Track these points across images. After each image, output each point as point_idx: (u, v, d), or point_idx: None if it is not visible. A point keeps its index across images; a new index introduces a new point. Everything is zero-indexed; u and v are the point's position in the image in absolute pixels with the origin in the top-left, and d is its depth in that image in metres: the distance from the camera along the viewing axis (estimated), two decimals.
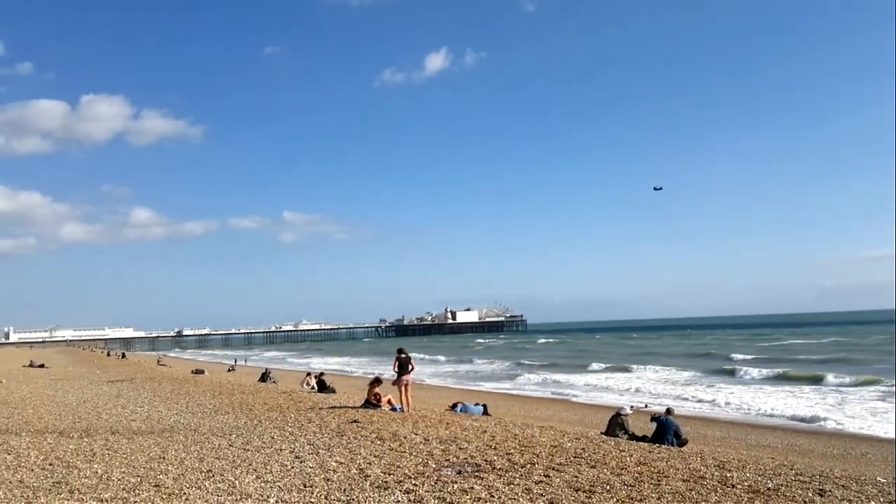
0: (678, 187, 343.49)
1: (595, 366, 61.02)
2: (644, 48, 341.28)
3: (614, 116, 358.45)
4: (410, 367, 18.42)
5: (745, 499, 8.11)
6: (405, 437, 12.85)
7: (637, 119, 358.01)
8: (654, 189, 45.66)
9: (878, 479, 9.63)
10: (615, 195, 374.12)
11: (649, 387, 41.65)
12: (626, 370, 55.12)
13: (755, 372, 49.47)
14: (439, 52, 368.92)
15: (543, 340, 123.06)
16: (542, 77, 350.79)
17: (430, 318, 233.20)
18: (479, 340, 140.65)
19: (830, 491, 8.58)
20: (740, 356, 65.50)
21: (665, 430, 15.40)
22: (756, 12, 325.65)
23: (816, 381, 42.19)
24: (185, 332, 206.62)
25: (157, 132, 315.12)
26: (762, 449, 19.25)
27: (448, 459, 10.62)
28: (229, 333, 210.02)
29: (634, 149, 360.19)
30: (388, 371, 34.52)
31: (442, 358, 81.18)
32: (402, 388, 17.93)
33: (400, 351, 18.72)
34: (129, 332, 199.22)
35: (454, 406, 20.90)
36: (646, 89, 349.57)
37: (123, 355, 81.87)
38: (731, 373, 50.52)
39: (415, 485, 8.80)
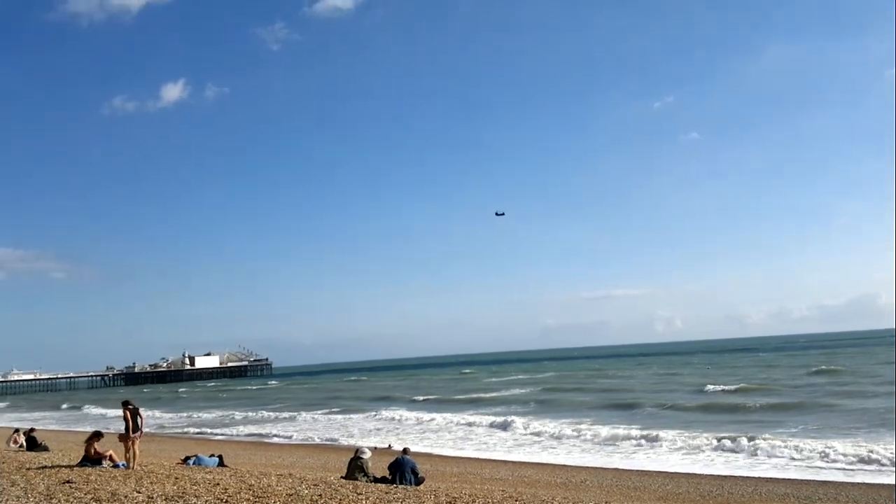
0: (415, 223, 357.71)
1: (339, 406, 60.94)
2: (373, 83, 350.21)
3: (341, 158, 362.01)
4: (139, 419, 17.00)
5: None
6: (126, 496, 11.75)
7: (370, 159, 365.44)
8: (497, 214, 46.71)
9: None
10: (347, 236, 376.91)
11: (398, 423, 42.52)
12: (368, 409, 55.67)
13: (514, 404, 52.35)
14: (177, 83, 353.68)
15: (298, 385, 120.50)
16: (280, 113, 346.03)
17: (165, 365, 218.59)
18: (222, 386, 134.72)
19: None
20: (499, 393, 69.09)
21: (403, 469, 15.63)
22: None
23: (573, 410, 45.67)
24: None
25: None
26: (494, 482, 20.21)
27: None
28: None
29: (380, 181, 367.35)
30: (114, 424, 31.74)
31: (180, 406, 76.35)
32: (128, 443, 16.48)
33: (125, 403, 17.22)
34: None
35: (187, 459, 19.61)
36: (380, 127, 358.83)
37: None
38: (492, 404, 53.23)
39: None
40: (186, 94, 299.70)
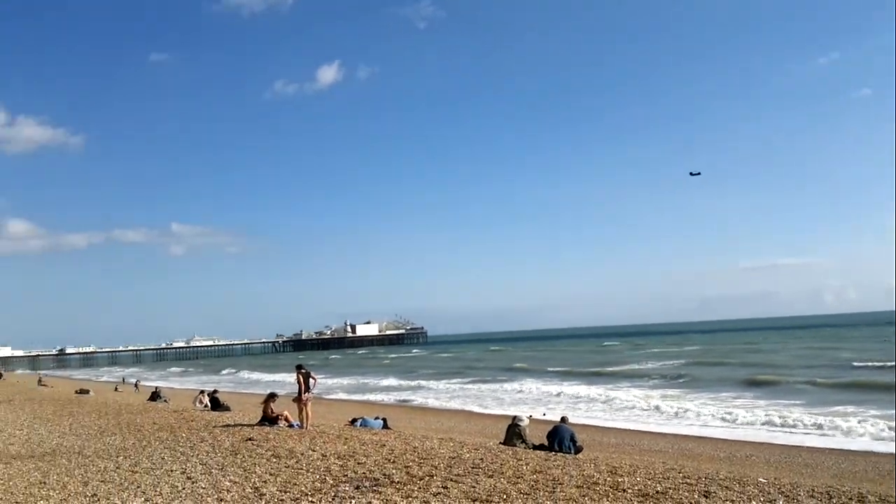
0: (564, 197, 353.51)
1: (496, 375, 61.84)
2: (536, 60, 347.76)
3: (508, 127, 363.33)
4: (311, 382, 18.12)
5: (635, 502, 8.39)
6: (302, 454, 12.63)
7: (527, 129, 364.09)
8: (691, 174, 45.49)
9: (760, 479, 10.14)
10: (508, 205, 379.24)
11: (546, 394, 42.58)
12: (525, 379, 56.13)
13: (655, 378, 51.40)
14: (332, 64, 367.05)
15: (445, 354, 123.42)
16: (431, 90, 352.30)
17: (328, 332, 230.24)
18: (381, 353, 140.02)
19: (715, 492, 8.97)
20: (637, 366, 67.92)
21: (561, 437, 15.76)
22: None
23: (714, 385, 44.13)
24: (67, 351, 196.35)
25: (35, 140, 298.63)
26: (654, 454, 19.96)
27: (346, 475, 10.50)
28: (116, 351, 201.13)
29: (526, 158, 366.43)
30: (285, 387, 33.92)
31: (343, 372, 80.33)
32: (302, 404, 17.62)
33: (299, 367, 18.39)
34: (5, 351, 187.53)
35: (354, 421, 20.69)
36: (534, 100, 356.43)
37: (0, 375, 77.08)
38: (631, 377, 52.33)
39: (312, 502, 8.67)
40: (341, 76, 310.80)
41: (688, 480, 9.85)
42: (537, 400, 40.55)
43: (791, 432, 25.81)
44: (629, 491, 9.04)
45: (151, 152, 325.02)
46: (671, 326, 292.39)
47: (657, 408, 34.20)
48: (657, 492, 8.99)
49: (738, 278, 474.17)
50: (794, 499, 8.58)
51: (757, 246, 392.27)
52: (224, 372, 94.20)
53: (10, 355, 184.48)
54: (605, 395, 40.98)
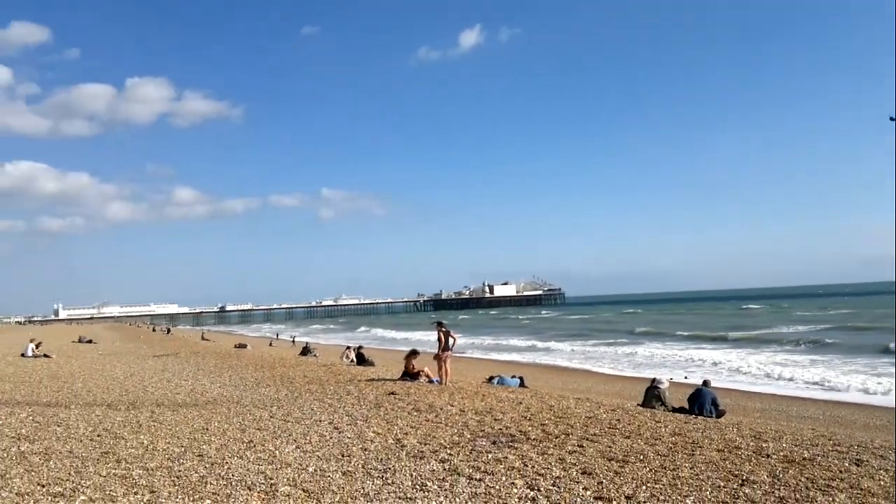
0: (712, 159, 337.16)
1: (633, 339, 60.82)
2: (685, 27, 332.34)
3: (647, 92, 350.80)
4: (451, 340, 18.44)
5: (780, 468, 8.10)
6: (441, 409, 13.01)
7: (676, 91, 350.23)
8: (892, 119, 41.35)
9: None
10: (651, 167, 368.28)
11: (685, 358, 41.47)
12: (663, 342, 54.91)
13: (798, 343, 48.94)
14: (473, 28, 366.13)
15: (573, 316, 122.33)
16: (575, 53, 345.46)
17: (467, 293, 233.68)
18: (513, 314, 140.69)
19: (867, 461, 8.51)
20: (784, 328, 64.73)
21: (702, 400, 15.37)
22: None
23: (865, 351, 41.46)
24: (227, 308, 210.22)
25: (200, 113, 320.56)
26: (803, 420, 19.07)
27: (483, 430, 10.75)
28: (271, 309, 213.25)
29: (678, 117, 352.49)
30: (427, 345, 34.82)
31: (476, 332, 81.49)
32: (441, 361, 18.06)
33: (440, 324, 18.75)
34: (173, 308, 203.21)
35: (491, 378, 21.03)
36: (691, 64, 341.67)
37: (168, 331, 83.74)
38: (775, 343, 50.01)
39: (450, 454, 8.95)
40: (483, 39, 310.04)
41: (838, 448, 9.39)
42: (662, 364, 39.55)
43: None
44: (773, 457, 8.73)
45: (305, 121, 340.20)
46: (830, 288, 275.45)
47: (789, 377, 32.13)
48: (804, 458, 8.63)
49: None
50: None
51: None
52: (362, 329, 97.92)
53: (176, 312, 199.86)
54: (724, 359, 39.57)
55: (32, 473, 8.20)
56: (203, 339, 61.77)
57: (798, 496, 6.93)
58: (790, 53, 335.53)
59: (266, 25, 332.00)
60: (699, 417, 13.54)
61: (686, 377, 30.62)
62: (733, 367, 35.84)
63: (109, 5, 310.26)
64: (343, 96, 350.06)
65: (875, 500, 6.79)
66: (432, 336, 20.67)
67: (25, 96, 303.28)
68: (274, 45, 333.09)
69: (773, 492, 7.09)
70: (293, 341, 61.71)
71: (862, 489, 7.17)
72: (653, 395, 15.83)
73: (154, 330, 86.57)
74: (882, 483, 7.41)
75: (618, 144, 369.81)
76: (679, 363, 39.37)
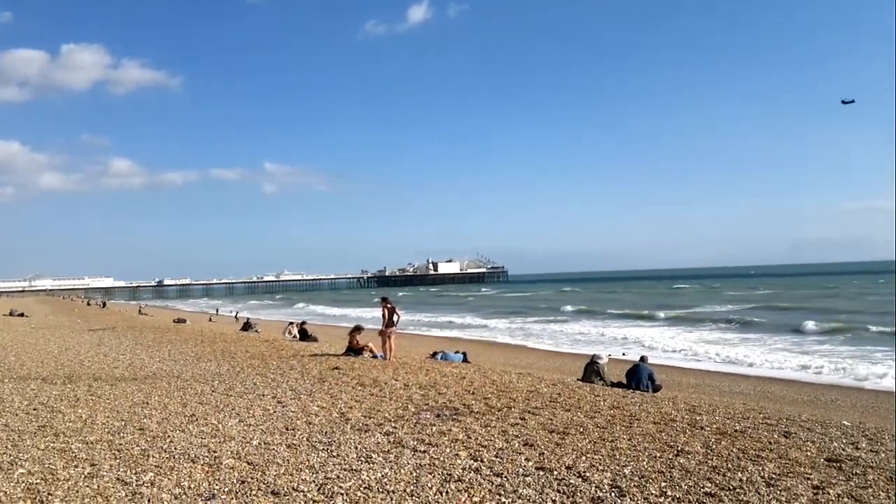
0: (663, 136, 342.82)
1: (572, 315, 61.86)
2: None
3: (601, 67, 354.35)
4: (396, 316, 18.51)
5: (713, 439, 8.42)
6: (385, 383, 13.09)
7: (614, 66, 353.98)
8: (844, 102, 40.42)
9: (843, 422, 9.98)
10: (591, 147, 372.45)
11: (622, 335, 42.41)
12: (601, 320, 56.05)
13: (730, 321, 50.46)
14: (421, 3, 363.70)
15: (522, 294, 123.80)
16: (521, 29, 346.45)
17: (411, 270, 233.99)
18: (461, 294, 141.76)
19: (795, 433, 8.90)
20: (717, 307, 66.66)
21: (640, 376, 15.80)
22: None
23: (792, 330, 43.01)
24: (165, 282, 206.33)
25: (137, 82, 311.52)
26: (735, 395, 19.74)
27: (427, 404, 10.86)
28: (210, 283, 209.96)
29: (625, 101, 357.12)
30: (367, 321, 34.81)
31: (422, 307, 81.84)
32: (385, 337, 18.12)
33: (385, 300, 18.81)
34: (109, 282, 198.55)
35: (435, 354, 21.21)
36: (634, 43, 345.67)
37: (104, 304, 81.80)
38: (708, 321, 51.47)
39: (394, 427, 9.03)
40: (431, 14, 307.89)
41: (768, 421, 9.79)
42: (599, 341, 40.44)
43: (878, 382, 24.97)
44: (707, 429, 9.06)
45: (246, 94, 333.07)
46: (761, 269, 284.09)
47: (718, 354, 32.93)
48: (736, 430, 8.98)
49: (838, 221, 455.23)
50: (878, 441, 8.44)
51: (859, 186, 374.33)
52: (302, 305, 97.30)
53: (112, 286, 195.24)
54: (658, 336, 40.72)
55: None
56: (140, 313, 60.56)
57: (730, 465, 7.23)
58: (724, 30, 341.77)
59: None
60: (637, 392, 13.93)
61: (624, 354, 31.31)
62: (667, 346, 36.76)
63: None
64: (288, 69, 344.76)
65: (802, 468, 7.13)
66: (373, 313, 20.71)
67: None
68: (217, 14, 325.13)
69: (706, 461, 7.38)
70: (236, 316, 60.86)
71: (790, 459, 7.51)
72: (592, 370, 16.20)
73: (89, 304, 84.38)
74: (809, 454, 7.77)
75: (561, 122, 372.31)
76: (616, 340, 40.24)
